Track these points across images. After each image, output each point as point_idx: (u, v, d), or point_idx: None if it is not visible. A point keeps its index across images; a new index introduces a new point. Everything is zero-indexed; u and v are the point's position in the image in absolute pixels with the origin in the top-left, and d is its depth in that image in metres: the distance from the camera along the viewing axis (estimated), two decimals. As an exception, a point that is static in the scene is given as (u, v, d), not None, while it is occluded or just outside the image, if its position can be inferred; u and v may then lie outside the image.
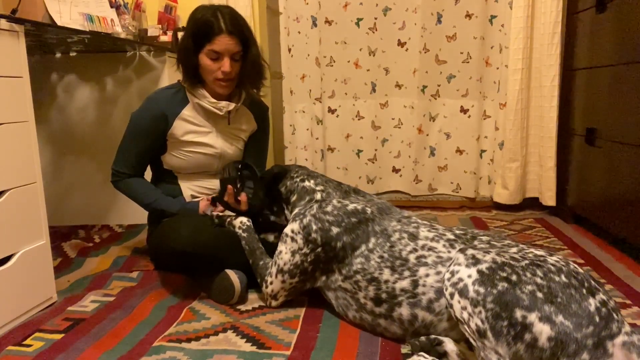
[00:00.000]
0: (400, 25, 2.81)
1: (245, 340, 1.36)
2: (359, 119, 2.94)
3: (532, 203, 2.74)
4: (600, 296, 1.04)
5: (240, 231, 1.65)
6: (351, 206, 1.45)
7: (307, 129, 2.94)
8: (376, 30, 2.83)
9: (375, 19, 2.82)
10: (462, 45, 2.76)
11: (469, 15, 2.72)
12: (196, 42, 1.70)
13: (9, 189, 1.47)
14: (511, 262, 1.09)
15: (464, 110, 2.82)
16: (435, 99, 2.84)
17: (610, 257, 1.97)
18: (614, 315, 1.02)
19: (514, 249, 1.19)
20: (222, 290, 1.59)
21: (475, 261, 1.11)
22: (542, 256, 1.13)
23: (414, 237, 1.33)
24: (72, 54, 2.47)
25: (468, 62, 2.77)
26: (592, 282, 1.07)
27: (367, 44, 2.85)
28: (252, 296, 1.64)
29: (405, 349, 1.29)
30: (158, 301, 1.63)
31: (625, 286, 1.67)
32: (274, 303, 1.53)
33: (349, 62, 2.88)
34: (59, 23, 1.82)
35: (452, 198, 2.92)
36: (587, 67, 2.32)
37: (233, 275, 1.58)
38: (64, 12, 1.86)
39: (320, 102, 2.90)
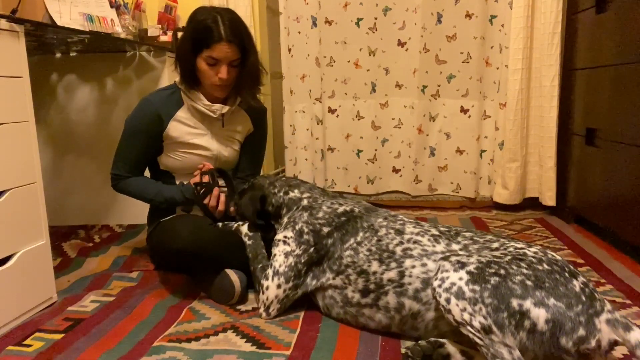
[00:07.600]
0: (400, 25, 2.81)
1: (245, 340, 1.36)
2: (359, 119, 2.94)
3: (532, 203, 2.73)
4: (581, 278, 1.12)
5: (246, 238, 1.65)
6: (340, 209, 1.51)
7: (307, 129, 2.94)
8: (376, 30, 2.83)
9: (375, 19, 2.82)
10: (462, 45, 2.76)
11: (469, 15, 2.72)
12: (195, 45, 1.68)
13: (9, 189, 1.47)
14: (495, 259, 1.15)
15: (464, 110, 2.82)
16: (435, 99, 2.84)
17: (610, 257, 1.97)
18: (596, 295, 1.10)
19: (496, 244, 1.25)
20: (222, 290, 1.60)
21: (462, 264, 1.15)
22: (521, 248, 1.20)
23: (400, 232, 1.39)
24: (72, 54, 2.46)
25: (468, 62, 2.77)
26: (571, 267, 1.15)
27: (367, 44, 2.85)
28: (252, 296, 1.64)
29: (405, 350, 1.29)
30: (158, 301, 1.63)
31: (625, 286, 1.67)
32: (264, 315, 1.49)
33: (349, 62, 2.88)
34: (59, 23, 1.82)
35: (452, 198, 2.92)
36: (587, 67, 2.32)
37: (233, 275, 1.58)
38: (64, 12, 1.86)
39: (320, 102, 2.90)
